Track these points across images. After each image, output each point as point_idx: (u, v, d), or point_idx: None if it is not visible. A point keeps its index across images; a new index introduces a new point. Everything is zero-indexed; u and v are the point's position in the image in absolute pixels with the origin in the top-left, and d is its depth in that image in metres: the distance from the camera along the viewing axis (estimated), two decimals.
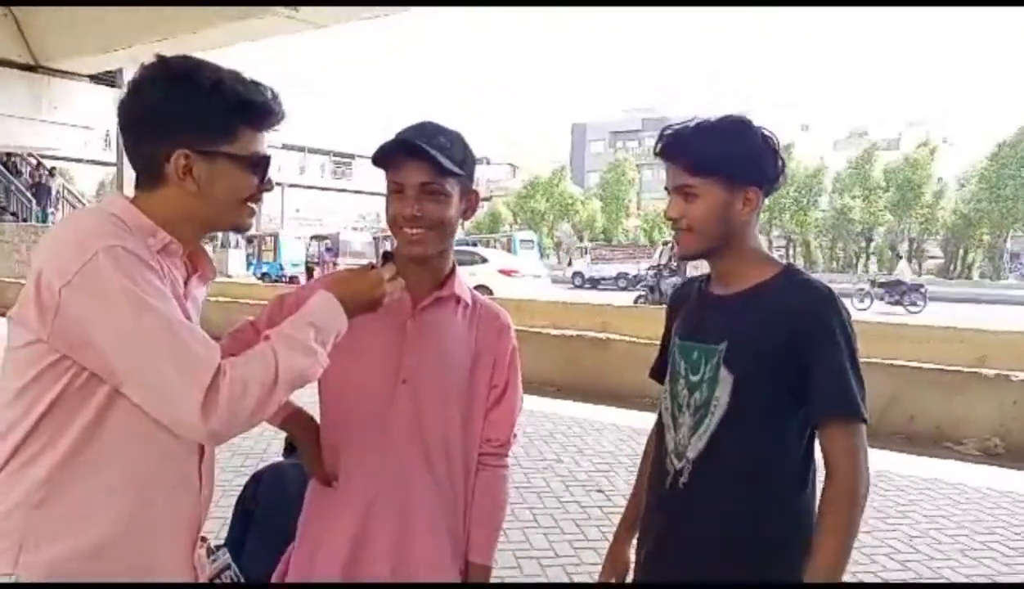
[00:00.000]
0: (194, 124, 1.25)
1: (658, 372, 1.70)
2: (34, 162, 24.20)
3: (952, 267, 40.41)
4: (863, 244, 42.15)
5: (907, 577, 3.66)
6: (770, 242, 44.58)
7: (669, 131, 1.54)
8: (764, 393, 1.45)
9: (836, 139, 65.15)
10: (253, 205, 1.34)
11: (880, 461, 5.58)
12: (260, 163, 1.32)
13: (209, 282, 1.42)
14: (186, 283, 1.35)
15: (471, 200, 1.60)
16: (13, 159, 23.46)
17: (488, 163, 67.10)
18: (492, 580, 1.68)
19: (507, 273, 19.09)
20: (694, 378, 1.53)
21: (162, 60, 1.29)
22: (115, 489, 1.21)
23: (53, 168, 24.22)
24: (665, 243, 23.14)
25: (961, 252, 40.03)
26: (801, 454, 1.48)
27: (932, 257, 43.54)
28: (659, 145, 1.53)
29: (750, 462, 1.47)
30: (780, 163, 1.52)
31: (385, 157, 1.51)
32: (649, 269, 22.67)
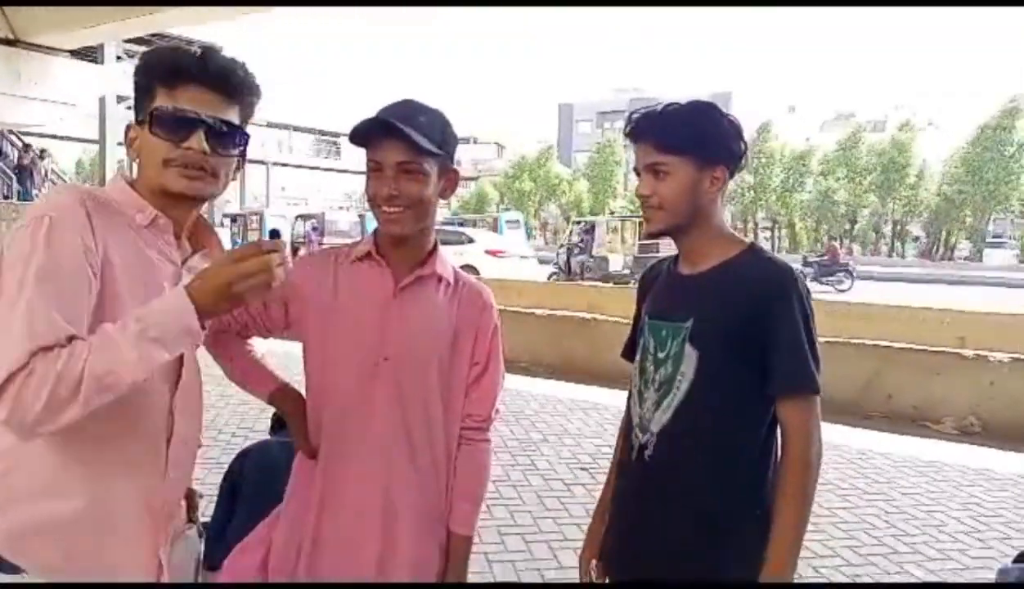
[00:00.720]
0: (137, 99, 1.31)
1: (630, 351, 1.75)
2: (21, 143, 23.83)
3: (935, 249, 40.74)
4: (847, 226, 42.37)
5: (883, 552, 3.74)
6: (756, 224, 44.80)
7: (638, 113, 1.60)
8: (727, 368, 1.51)
9: (823, 120, 65.30)
10: (178, 168, 1.27)
11: (859, 439, 5.69)
12: (165, 118, 1.25)
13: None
14: (185, 261, 1.35)
15: (450, 179, 1.61)
16: None
17: (475, 142, 66.76)
18: (475, 556, 1.72)
19: (494, 253, 19.05)
20: (660, 355, 1.59)
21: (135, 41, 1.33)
22: (74, 464, 1.22)
23: (43, 150, 23.89)
24: (576, 223, 24.40)
25: (944, 234, 40.35)
26: (764, 428, 1.53)
27: (916, 238, 43.88)
28: (628, 127, 1.60)
29: (713, 436, 1.53)
30: (743, 145, 1.59)
31: (363, 135, 1.52)
32: (560, 247, 23.83)
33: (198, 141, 1.26)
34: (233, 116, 1.32)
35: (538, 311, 10.20)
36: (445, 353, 1.62)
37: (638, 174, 1.60)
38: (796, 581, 1.49)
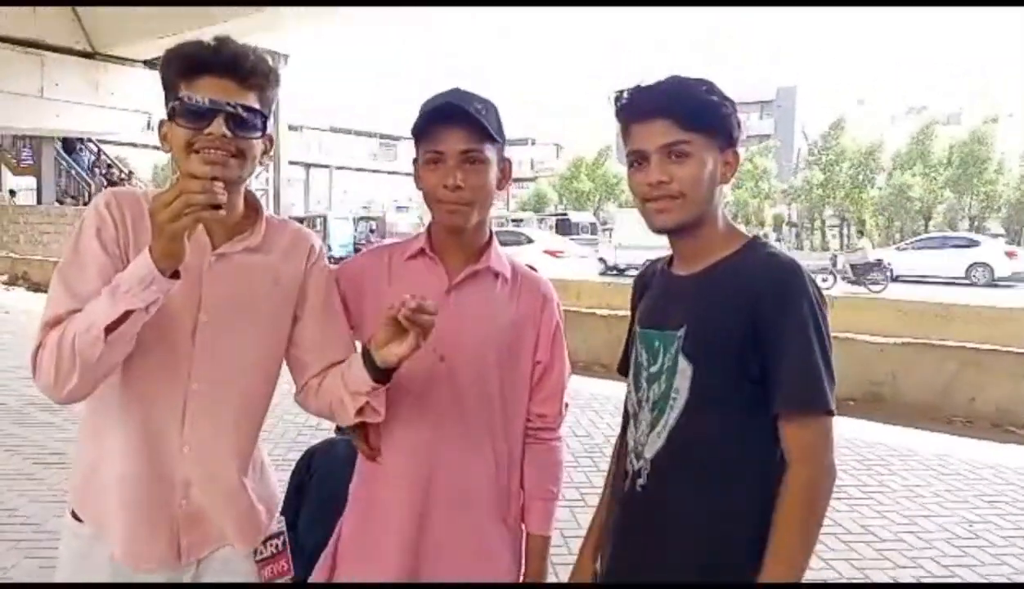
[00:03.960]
0: (165, 96, 1.36)
1: (625, 365, 1.54)
2: (95, 148, 24.93)
3: (1017, 244, 38.89)
4: (922, 222, 40.79)
5: (966, 563, 3.55)
6: (823, 221, 43.53)
7: (636, 87, 1.37)
8: (725, 384, 1.30)
9: (893, 114, 63.08)
10: (202, 153, 1.31)
11: (938, 444, 5.44)
12: (184, 107, 1.30)
13: (257, 246, 1.43)
14: (217, 246, 1.39)
15: (506, 169, 1.57)
16: (77, 146, 24.20)
17: (532, 143, 66.76)
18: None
19: (553, 254, 19.04)
20: (653, 369, 1.38)
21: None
22: (105, 431, 1.39)
23: (131, 173, 25.06)
24: (361, 219, 24.73)
25: None
26: (768, 452, 1.30)
27: (996, 236, 42.01)
28: (626, 102, 1.36)
29: (710, 462, 1.32)
30: (740, 128, 1.39)
31: (423, 126, 1.48)
32: (355, 243, 24.06)
33: (218, 127, 1.30)
34: (251, 101, 1.35)
35: (599, 311, 10.11)
36: (505, 352, 1.56)
37: (633, 163, 1.37)
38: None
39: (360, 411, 1.44)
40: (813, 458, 1.25)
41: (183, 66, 1.33)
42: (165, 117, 1.36)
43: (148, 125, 19.18)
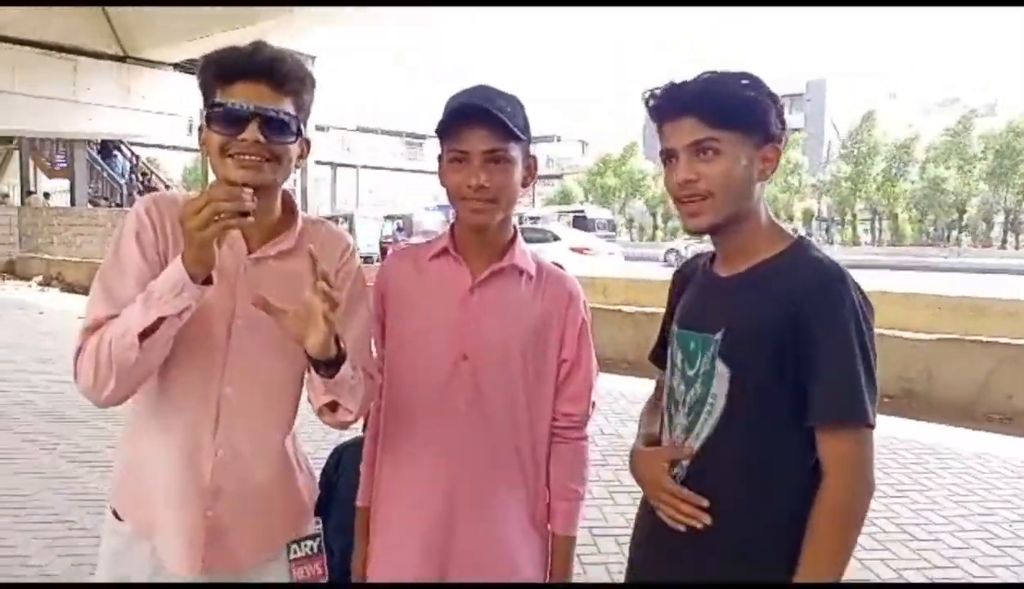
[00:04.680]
0: (203, 100, 1.36)
1: (659, 356, 1.52)
2: (128, 152, 25.36)
3: None
4: (956, 216, 39.98)
5: (1005, 563, 3.46)
6: (854, 215, 42.87)
7: (667, 85, 1.33)
8: (765, 390, 1.27)
9: (926, 107, 61.91)
10: (237, 157, 1.31)
11: (976, 442, 5.33)
12: (219, 113, 1.31)
13: (291, 249, 1.42)
14: (252, 250, 1.39)
15: (531, 167, 1.55)
16: (110, 148, 24.64)
17: (558, 140, 66.66)
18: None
19: (579, 251, 18.97)
20: (690, 372, 1.35)
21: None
22: (143, 432, 1.41)
23: (168, 184, 25.51)
24: (387, 218, 24.90)
25: None
26: (805, 459, 1.27)
27: None
28: (659, 101, 1.33)
29: (747, 472, 1.29)
30: (783, 124, 1.33)
31: (449, 124, 1.47)
32: (381, 242, 24.00)
33: (252, 132, 1.30)
34: (287, 106, 1.35)
35: (625, 308, 10.05)
36: (530, 350, 1.54)
37: (665, 162, 1.35)
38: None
39: (332, 409, 1.40)
40: (850, 471, 1.22)
41: (219, 71, 1.33)
42: (202, 123, 1.37)
43: (189, 129, 19.50)
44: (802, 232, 1.59)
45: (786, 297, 1.25)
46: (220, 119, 1.31)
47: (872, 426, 1.23)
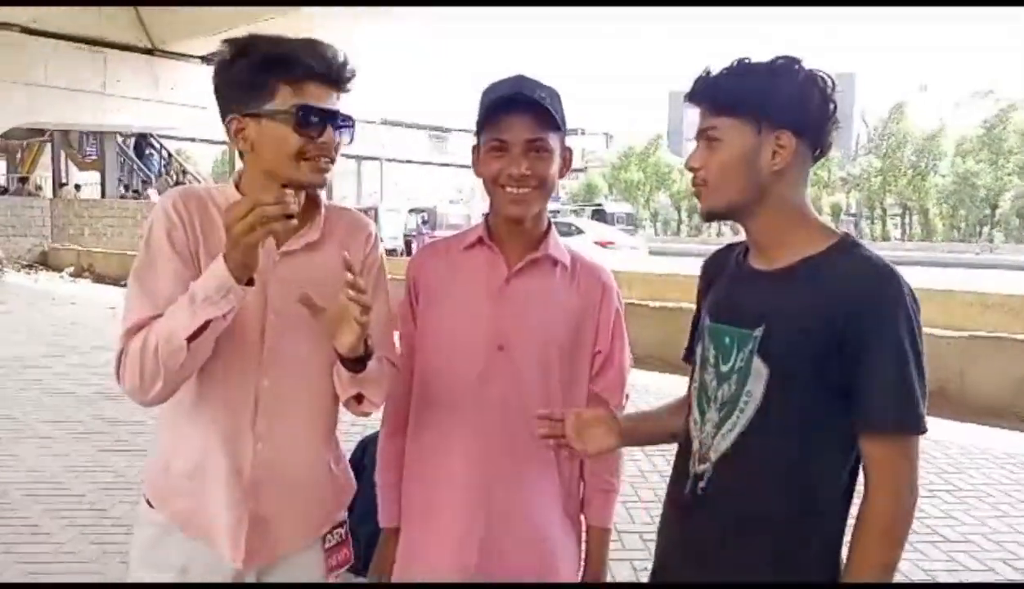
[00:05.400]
0: (235, 90, 1.34)
1: (691, 354, 1.47)
2: (157, 145, 25.70)
3: None
4: (988, 211, 39.23)
5: None
6: (884, 210, 42.23)
7: (703, 73, 1.32)
8: (804, 391, 1.22)
9: (957, 100, 60.78)
10: (313, 161, 1.33)
11: (1011, 443, 5.25)
12: (300, 116, 1.31)
13: (317, 241, 1.43)
14: (280, 245, 1.39)
15: (567, 158, 1.55)
16: (143, 147, 25.00)
17: (582, 133, 66.40)
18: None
19: (604, 245, 18.89)
20: (724, 368, 1.30)
21: (224, 42, 1.37)
22: (184, 427, 1.41)
23: (198, 178, 25.84)
24: (412, 211, 25.45)
25: None
26: (847, 467, 1.24)
27: None
28: (688, 91, 1.33)
29: (781, 472, 1.24)
30: (830, 107, 1.25)
31: (491, 113, 1.46)
32: (405, 235, 24.54)
33: (330, 136, 1.34)
34: (342, 105, 1.38)
35: (650, 302, 9.99)
36: (565, 341, 1.54)
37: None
38: None
39: (358, 401, 1.43)
40: (900, 481, 1.18)
41: (285, 70, 1.31)
42: (237, 116, 1.34)
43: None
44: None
45: (835, 295, 1.20)
46: (308, 121, 1.31)
47: (924, 432, 1.19)
